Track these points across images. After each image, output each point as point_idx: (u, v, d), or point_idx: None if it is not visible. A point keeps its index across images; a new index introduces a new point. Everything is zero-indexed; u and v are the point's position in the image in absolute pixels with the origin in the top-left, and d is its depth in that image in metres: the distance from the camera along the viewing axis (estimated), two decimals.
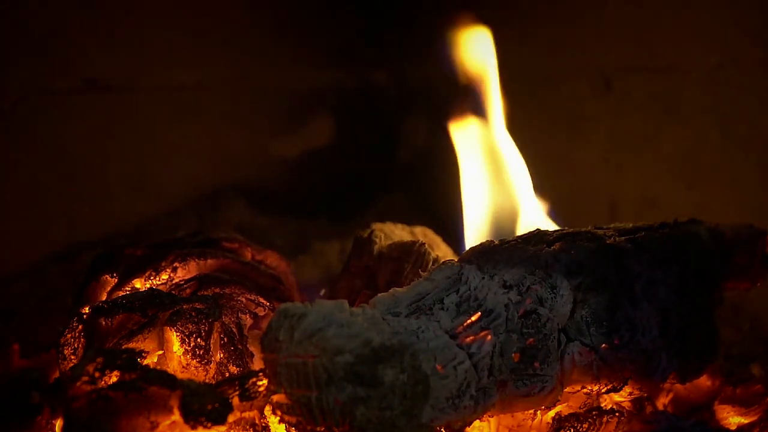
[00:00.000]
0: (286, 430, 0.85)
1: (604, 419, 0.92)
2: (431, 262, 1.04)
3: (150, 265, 1.06)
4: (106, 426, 0.78)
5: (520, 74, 1.32)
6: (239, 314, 1.02)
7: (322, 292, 1.26)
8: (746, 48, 1.35)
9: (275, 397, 0.80)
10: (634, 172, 1.53)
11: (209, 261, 1.08)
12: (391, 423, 0.77)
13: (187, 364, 0.94)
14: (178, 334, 0.95)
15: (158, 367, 0.92)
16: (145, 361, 0.89)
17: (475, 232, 1.18)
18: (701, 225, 1.02)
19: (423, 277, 0.90)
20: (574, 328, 0.90)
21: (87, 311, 0.97)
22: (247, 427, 0.89)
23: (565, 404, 0.95)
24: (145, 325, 0.95)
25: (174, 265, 1.06)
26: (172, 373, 0.88)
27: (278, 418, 0.81)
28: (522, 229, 1.17)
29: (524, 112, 1.28)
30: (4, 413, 0.90)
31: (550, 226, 1.16)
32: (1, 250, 1.41)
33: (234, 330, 1.00)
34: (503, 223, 1.17)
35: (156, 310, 0.96)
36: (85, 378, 0.80)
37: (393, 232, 1.16)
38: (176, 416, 0.81)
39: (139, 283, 1.05)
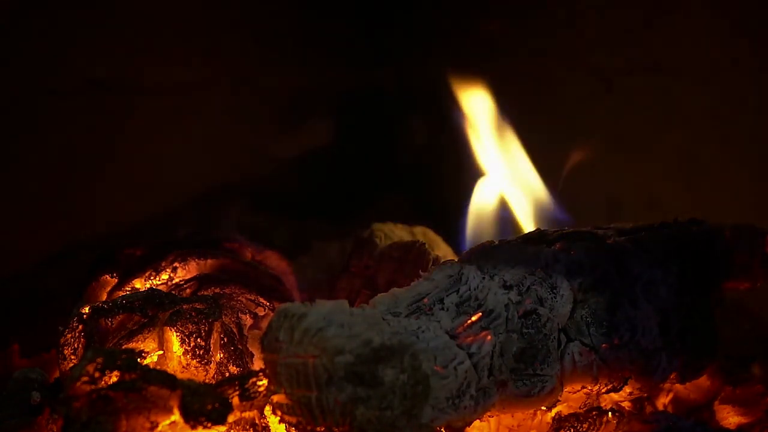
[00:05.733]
0: (286, 430, 0.85)
1: (604, 419, 0.92)
2: (431, 262, 1.04)
3: (150, 265, 1.06)
4: (106, 426, 0.78)
5: (520, 74, 1.32)
6: (239, 314, 1.02)
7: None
8: (746, 48, 1.35)
9: (275, 397, 0.80)
10: (634, 172, 1.53)
11: (209, 261, 1.08)
12: (391, 423, 0.77)
13: (187, 364, 0.94)
14: (178, 334, 0.95)
15: (158, 367, 0.92)
16: (145, 361, 0.89)
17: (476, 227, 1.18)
18: (701, 225, 1.02)
19: (423, 277, 0.90)
20: (574, 328, 0.90)
21: (87, 311, 0.97)
22: (247, 427, 0.89)
23: (565, 404, 0.95)
24: (145, 325, 0.96)
25: (174, 265, 1.06)
26: (172, 373, 0.88)
27: (278, 418, 0.81)
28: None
29: (524, 113, 1.28)
30: (4, 413, 0.90)
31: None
32: (1, 250, 1.41)
33: (234, 330, 1.00)
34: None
35: (156, 310, 0.96)
36: (85, 378, 0.80)
37: (393, 232, 1.16)
38: (176, 416, 0.81)
39: (139, 283, 1.05)
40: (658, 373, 0.92)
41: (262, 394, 0.85)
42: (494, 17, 1.50)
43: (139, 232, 1.56)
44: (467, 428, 0.88)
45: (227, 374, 0.96)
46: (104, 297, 1.06)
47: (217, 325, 0.97)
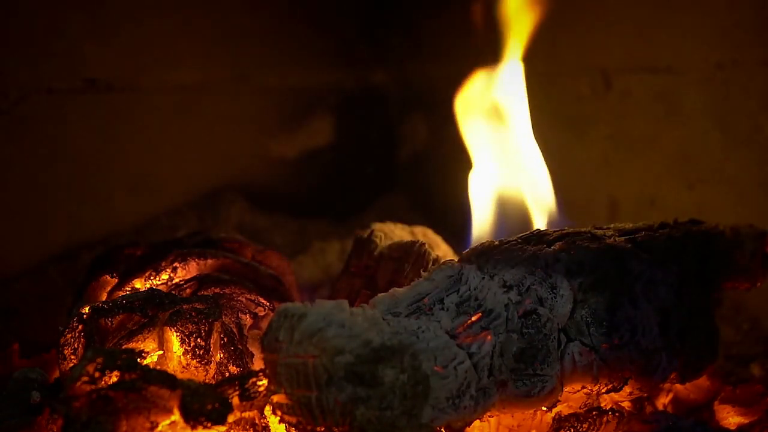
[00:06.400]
0: (286, 430, 0.85)
1: (604, 419, 0.92)
2: (431, 262, 1.04)
3: (150, 265, 1.06)
4: (106, 426, 0.79)
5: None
6: (239, 314, 1.02)
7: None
8: (746, 48, 1.35)
9: (275, 397, 0.80)
10: (634, 172, 1.53)
11: (209, 261, 1.08)
12: (391, 423, 0.77)
13: (187, 364, 0.94)
14: (178, 334, 0.95)
15: (158, 367, 0.92)
16: (145, 361, 0.89)
17: (480, 226, 1.18)
18: (701, 225, 1.02)
19: (423, 277, 0.90)
20: (574, 328, 0.90)
21: (87, 311, 0.97)
22: (247, 427, 0.89)
23: (565, 404, 0.95)
24: (145, 325, 0.95)
25: (174, 265, 1.06)
26: (172, 373, 0.88)
27: (278, 418, 0.81)
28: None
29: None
30: (4, 413, 0.90)
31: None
32: (1, 250, 1.41)
33: (234, 330, 1.00)
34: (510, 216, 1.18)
35: (156, 310, 0.96)
36: (85, 378, 0.80)
37: (393, 232, 1.16)
38: (176, 416, 0.81)
39: (139, 283, 1.05)
40: (658, 373, 0.92)
41: (262, 394, 0.85)
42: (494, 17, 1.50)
43: (139, 232, 1.57)
44: (467, 428, 0.88)
45: (227, 374, 0.96)
46: (104, 297, 1.06)
47: (217, 325, 0.97)
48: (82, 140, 1.50)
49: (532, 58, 1.34)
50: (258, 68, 1.74)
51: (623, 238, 0.96)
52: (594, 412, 0.93)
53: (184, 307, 0.96)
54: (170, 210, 1.65)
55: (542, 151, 1.25)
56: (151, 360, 0.93)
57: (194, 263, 1.07)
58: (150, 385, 0.81)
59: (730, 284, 1.02)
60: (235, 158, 1.75)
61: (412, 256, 1.05)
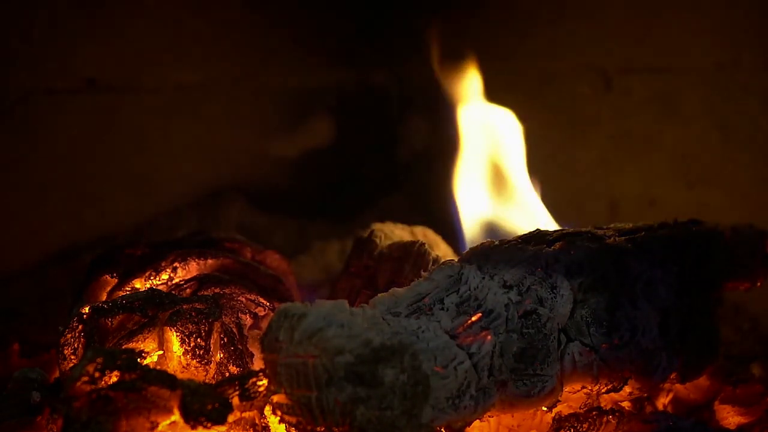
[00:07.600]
0: (286, 430, 0.85)
1: (604, 419, 0.92)
2: (431, 262, 1.04)
3: (150, 265, 1.06)
4: (106, 426, 0.78)
5: (520, 74, 1.32)
6: (239, 314, 1.02)
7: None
8: (746, 48, 1.35)
9: (275, 397, 0.80)
10: (634, 172, 1.53)
11: (209, 261, 1.08)
12: (391, 423, 0.77)
13: (187, 364, 0.94)
14: (178, 334, 0.95)
15: (158, 367, 0.92)
16: (145, 361, 0.89)
17: (472, 228, 1.18)
18: (701, 225, 1.02)
19: (423, 277, 0.90)
20: (574, 328, 0.90)
21: (87, 311, 0.97)
22: (247, 427, 0.89)
23: (565, 404, 0.95)
24: (145, 325, 0.95)
25: (174, 265, 1.06)
26: (172, 373, 0.88)
27: (278, 418, 0.81)
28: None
29: (524, 112, 1.28)
30: (4, 413, 0.90)
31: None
32: (1, 250, 1.41)
33: (234, 330, 1.00)
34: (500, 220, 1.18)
35: (156, 310, 0.96)
36: (85, 378, 0.80)
37: (393, 232, 1.16)
38: (176, 416, 0.81)
39: (139, 283, 1.05)
40: (658, 373, 0.92)
41: (262, 394, 0.85)
42: (494, 17, 1.50)
43: (139, 232, 1.57)
44: (467, 428, 0.88)
45: (227, 374, 0.96)
46: (104, 297, 1.06)
47: (217, 325, 0.97)
48: (82, 140, 1.50)
49: (532, 59, 1.34)
50: (258, 68, 1.74)
51: (623, 238, 0.95)
52: (594, 412, 0.93)
53: (184, 307, 0.96)
54: (170, 210, 1.65)
55: (542, 152, 1.25)
56: (151, 360, 0.93)
57: (194, 263, 1.07)
58: (150, 385, 0.81)
59: (730, 284, 1.02)
60: (235, 158, 1.75)
61: (412, 256, 1.05)
